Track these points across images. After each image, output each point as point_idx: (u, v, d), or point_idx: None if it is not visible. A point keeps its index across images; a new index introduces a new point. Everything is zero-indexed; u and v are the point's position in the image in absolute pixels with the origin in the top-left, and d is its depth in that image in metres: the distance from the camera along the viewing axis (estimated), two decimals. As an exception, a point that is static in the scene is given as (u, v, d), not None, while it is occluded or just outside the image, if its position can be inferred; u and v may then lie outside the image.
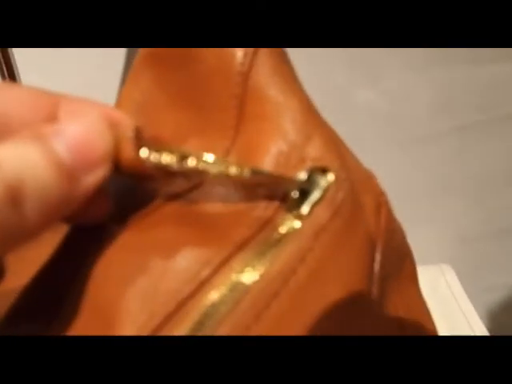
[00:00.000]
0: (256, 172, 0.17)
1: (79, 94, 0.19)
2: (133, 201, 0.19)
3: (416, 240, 0.26)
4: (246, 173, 0.17)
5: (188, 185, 0.20)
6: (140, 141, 0.17)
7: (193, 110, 0.22)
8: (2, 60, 0.46)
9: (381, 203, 0.23)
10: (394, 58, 0.56)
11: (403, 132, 0.60)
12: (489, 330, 0.56)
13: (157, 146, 0.17)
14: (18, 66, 0.48)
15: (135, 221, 0.18)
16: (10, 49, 0.47)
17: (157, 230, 0.18)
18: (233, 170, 0.17)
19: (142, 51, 0.24)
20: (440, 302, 0.60)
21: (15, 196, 0.14)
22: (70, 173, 0.15)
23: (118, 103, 0.25)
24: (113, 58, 0.50)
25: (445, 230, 0.67)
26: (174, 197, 0.19)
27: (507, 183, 0.65)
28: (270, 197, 0.19)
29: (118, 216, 0.18)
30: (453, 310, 0.59)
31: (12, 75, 0.47)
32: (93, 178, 0.16)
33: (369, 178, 0.24)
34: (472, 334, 0.55)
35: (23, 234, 0.14)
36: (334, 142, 0.20)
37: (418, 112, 0.59)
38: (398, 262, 0.24)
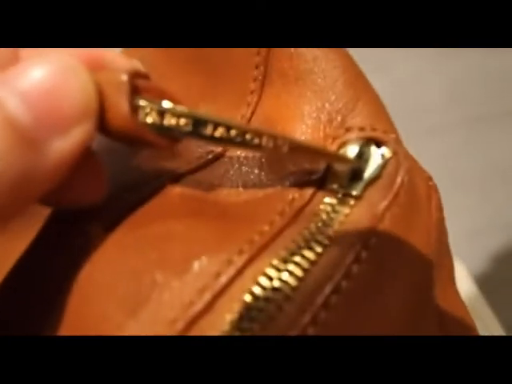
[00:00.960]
0: (296, 144, 0.13)
1: None
2: (127, 178, 0.15)
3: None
4: (283, 145, 0.13)
5: (200, 159, 0.15)
6: (137, 91, 0.12)
7: (205, 74, 0.18)
8: None
9: (430, 189, 0.19)
10: (405, 48, 0.53)
11: (412, 123, 0.57)
12: (500, 323, 0.54)
13: (161, 99, 0.12)
14: None
15: (133, 208, 0.14)
16: None
17: (162, 220, 0.13)
18: (264, 142, 0.13)
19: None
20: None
21: None
22: (30, 136, 0.10)
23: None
24: None
25: (455, 222, 0.63)
26: (183, 175, 0.15)
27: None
28: (306, 175, 0.14)
29: (110, 200, 0.14)
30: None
31: None
32: (67, 141, 0.11)
33: (413, 157, 0.20)
34: (484, 327, 0.53)
35: None
36: (384, 108, 0.16)
37: (428, 102, 0.56)
38: (444, 259, 0.20)
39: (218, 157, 0.15)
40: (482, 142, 0.60)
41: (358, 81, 0.15)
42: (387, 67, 0.55)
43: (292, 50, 0.16)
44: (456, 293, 0.24)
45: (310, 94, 0.15)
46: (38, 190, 0.11)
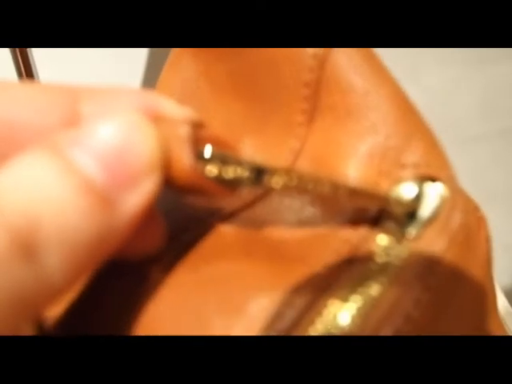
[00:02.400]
0: (355, 191, 0.13)
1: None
2: (179, 217, 0.15)
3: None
4: (340, 191, 0.13)
5: (250, 194, 0.15)
6: (198, 143, 0.12)
7: (248, 102, 0.18)
8: (20, 58, 0.43)
9: (480, 220, 0.18)
10: (437, 51, 0.52)
11: (444, 133, 0.56)
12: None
13: (221, 151, 0.12)
14: (36, 63, 0.44)
15: (187, 248, 0.14)
16: (28, 50, 0.44)
17: (217, 261, 0.13)
18: (323, 189, 0.13)
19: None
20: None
21: (28, 246, 0.09)
22: (103, 195, 0.10)
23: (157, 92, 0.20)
24: (134, 57, 0.47)
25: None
26: (234, 212, 0.15)
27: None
28: (359, 213, 0.14)
29: (164, 244, 0.14)
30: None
31: (30, 73, 0.44)
32: (138, 196, 0.11)
33: (462, 189, 0.19)
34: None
35: (45, 296, 0.10)
36: (438, 144, 0.15)
37: (461, 111, 0.55)
38: (493, 293, 0.20)
39: (267, 192, 0.15)
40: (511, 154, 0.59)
41: (410, 116, 0.15)
42: (417, 75, 0.54)
43: (343, 83, 0.16)
44: (500, 323, 0.23)
45: (361, 129, 0.15)
46: (112, 247, 0.11)
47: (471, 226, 0.16)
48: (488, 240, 0.18)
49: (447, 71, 0.54)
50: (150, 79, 0.46)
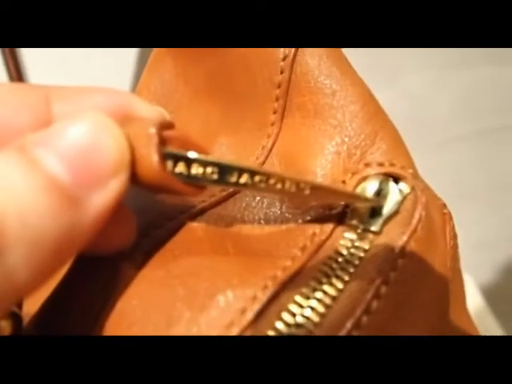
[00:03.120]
0: (318, 188, 0.14)
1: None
2: (149, 219, 0.15)
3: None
4: (305, 189, 0.13)
5: (222, 192, 0.16)
6: (165, 142, 0.12)
7: (224, 103, 0.18)
8: (11, 61, 0.43)
9: (445, 217, 0.19)
10: (414, 58, 0.53)
11: (423, 135, 0.57)
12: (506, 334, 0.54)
13: (187, 150, 0.13)
14: (26, 67, 0.44)
15: (157, 247, 0.14)
16: (18, 50, 0.44)
17: (187, 256, 0.14)
18: (287, 186, 0.13)
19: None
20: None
21: None
22: (70, 195, 0.11)
23: (137, 93, 0.21)
24: (124, 58, 0.47)
25: (464, 234, 0.64)
26: (205, 209, 0.15)
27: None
28: (326, 210, 0.15)
29: (138, 237, 0.14)
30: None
31: (20, 76, 0.44)
32: (104, 195, 0.11)
33: (428, 187, 0.20)
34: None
35: (13, 293, 0.10)
36: (402, 142, 0.16)
37: (438, 114, 0.56)
38: (458, 286, 0.20)
39: (238, 190, 0.16)
40: (490, 154, 0.60)
41: (376, 116, 0.16)
42: (398, 78, 0.55)
43: (312, 84, 0.16)
44: (468, 316, 0.24)
45: (329, 128, 0.16)
46: (79, 244, 0.11)
47: (435, 222, 0.17)
48: (454, 236, 0.19)
49: (427, 74, 0.55)
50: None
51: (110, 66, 0.48)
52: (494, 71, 0.55)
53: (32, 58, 0.45)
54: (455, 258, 0.19)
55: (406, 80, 0.55)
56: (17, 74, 0.44)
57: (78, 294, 0.14)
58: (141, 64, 0.47)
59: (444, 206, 0.19)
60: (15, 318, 0.14)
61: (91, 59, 0.46)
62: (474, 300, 0.58)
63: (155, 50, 0.22)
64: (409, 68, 0.55)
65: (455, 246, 0.19)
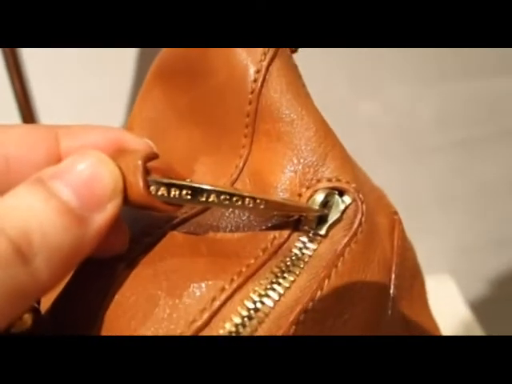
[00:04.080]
0: (271, 202, 0.17)
1: (92, 99, 0.18)
2: (141, 229, 0.18)
3: (417, 250, 0.26)
4: (261, 204, 0.16)
5: (197, 208, 0.19)
6: (149, 172, 0.16)
7: (204, 127, 0.22)
8: (14, 68, 0.45)
9: (394, 222, 0.22)
10: (397, 70, 0.56)
11: (405, 145, 0.60)
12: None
13: (167, 177, 0.16)
14: (29, 75, 0.47)
15: (146, 251, 0.17)
16: (20, 56, 0.46)
17: (169, 259, 0.17)
18: (246, 202, 0.16)
19: (151, 68, 0.24)
20: (440, 312, 0.59)
21: (23, 252, 0.13)
22: (78, 215, 0.14)
23: (131, 120, 0.24)
24: (122, 64, 0.49)
25: (445, 240, 0.67)
26: (183, 222, 0.18)
27: (508, 195, 0.65)
28: (285, 218, 0.18)
29: (131, 243, 0.17)
30: (453, 320, 0.59)
31: (22, 85, 0.46)
32: (104, 215, 0.14)
33: (381, 197, 0.23)
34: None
35: (37, 291, 0.13)
36: (348, 161, 0.19)
37: (421, 125, 0.59)
38: (409, 281, 0.23)
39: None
40: (470, 163, 0.63)
41: (327, 139, 0.19)
42: (379, 92, 0.58)
43: (274, 113, 0.20)
44: (426, 311, 0.27)
45: (288, 151, 0.19)
46: (86, 252, 0.14)
47: (379, 226, 0.20)
48: (402, 238, 0.22)
49: (409, 88, 0.58)
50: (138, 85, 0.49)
51: (109, 72, 0.50)
52: (470, 85, 0.58)
53: (34, 65, 0.47)
54: (404, 257, 0.22)
55: (389, 93, 0.58)
56: (20, 83, 0.46)
57: (83, 290, 0.17)
58: (139, 69, 0.50)
59: (395, 213, 0.23)
60: (35, 311, 0.17)
61: (92, 66, 0.49)
62: (457, 303, 0.61)
63: (146, 80, 0.25)
64: (389, 82, 0.57)
65: (403, 247, 0.22)
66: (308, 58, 0.22)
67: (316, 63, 0.50)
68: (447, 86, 0.58)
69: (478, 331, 0.57)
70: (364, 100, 0.58)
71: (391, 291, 0.19)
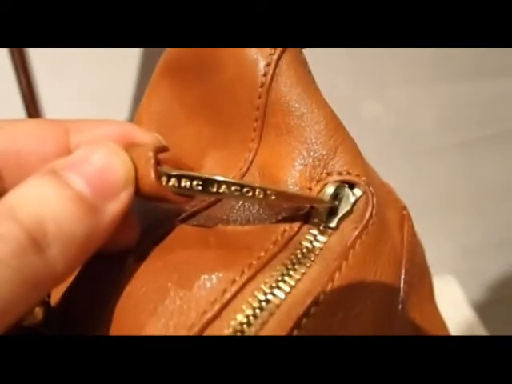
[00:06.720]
0: (281, 193, 0.17)
1: (97, 97, 0.18)
2: (151, 221, 0.18)
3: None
4: (271, 195, 0.16)
5: (207, 201, 0.19)
6: (160, 163, 0.16)
7: (213, 121, 0.22)
8: (20, 68, 0.45)
9: (404, 217, 0.22)
10: (400, 71, 0.56)
11: (407, 146, 0.60)
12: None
13: (178, 168, 0.16)
14: (35, 73, 0.47)
15: (156, 243, 0.17)
16: (26, 54, 0.46)
17: (180, 249, 0.17)
18: (257, 193, 0.16)
19: (159, 64, 0.24)
20: (443, 313, 0.59)
21: (38, 241, 0.13)
22: (91, 205, 0.14)
23: (139, 115, 0.24)
24: (127, 61, 0.49)
25: (448, 241, 0.67)
26: (197, 212, 0.18)
27: (509, 197, 0.65)
28: (295, 211, 0.18)
29: (142, 235, 0.17)
30: (456, 321, 0.59)
31: (29, 83, 0.46)
32: (116, 204, 0.14)
33: (390, 192, 0.23)
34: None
35: (51, 280, 0.13)
36: (358, 155, 0.19)
37: (422, 126, 0.59)
38: (419, 278, 0.23)
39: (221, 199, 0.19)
40: (472, 163, 0.63)
41: (337, 132, 0.19)
42: (382, 92, 0.58)
43: (284, 107, 0.20)
44: (434, 308, 0.27)
45: (298, 144, 0.19)
46: (99, 241, 0.14)
47: (389, 220, 0.20)
48: (412, 234, 0.22)
49: (410, 89, 0.58)
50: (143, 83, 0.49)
51: (115, 70, 0.50)
52: (472, 87, 0.58)
53: (41, 64, 0.47)
54: (414, 252, 0.22)
55: (389, 95, 0.58)
56: (26, 81, 0.46)
57: (94, 283, 0.17)
58: (143, 69, 0.50)
59: (404, 208, 0.23)
60: (46, 305, 0.17)
61: (98, 65, 0.49)
62: (460, 304, 0.60)
63: (153, 76, 0.25)
64: (392, 83, 0.57)
65: (413, 243, 0.22)
66: (310, 59, 0.22)
67: (317, 64, 0.50)
68: (449, 87, 0.58)
69: (481, 332, 0.57)
70: (365, 101, 0.58)
71: (401, 286, 0.19)
